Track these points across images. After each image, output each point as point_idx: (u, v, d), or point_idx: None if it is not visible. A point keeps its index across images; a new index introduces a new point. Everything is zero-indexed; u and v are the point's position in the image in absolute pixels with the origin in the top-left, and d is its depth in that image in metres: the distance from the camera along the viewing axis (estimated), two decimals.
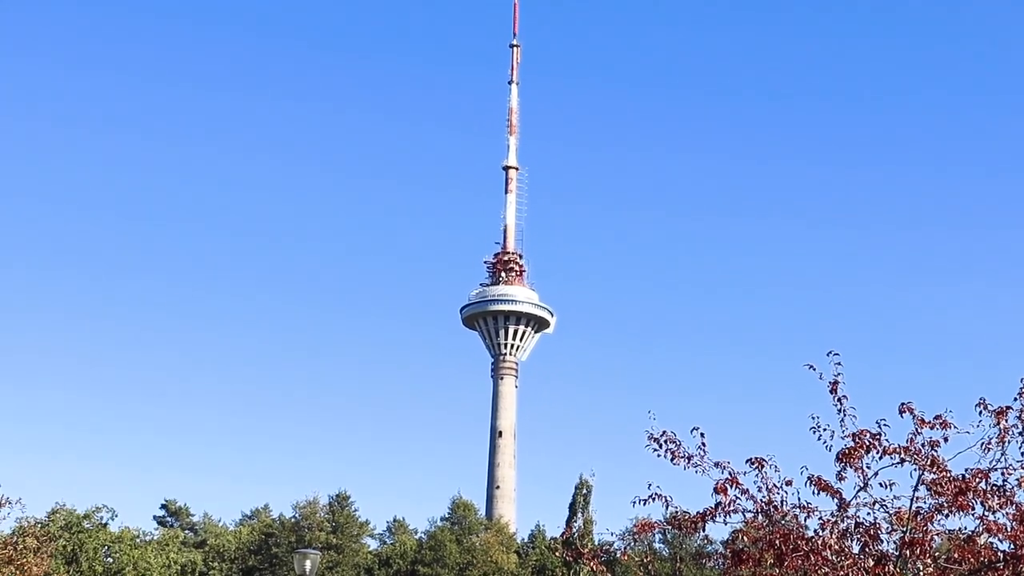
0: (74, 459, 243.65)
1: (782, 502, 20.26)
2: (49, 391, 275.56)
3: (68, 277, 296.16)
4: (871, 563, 19.10)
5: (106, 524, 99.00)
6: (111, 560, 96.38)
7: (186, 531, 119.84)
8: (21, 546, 43.11)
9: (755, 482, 20.33)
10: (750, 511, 20.35)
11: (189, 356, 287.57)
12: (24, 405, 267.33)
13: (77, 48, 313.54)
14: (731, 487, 20.11)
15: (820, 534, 19.63)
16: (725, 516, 20.27)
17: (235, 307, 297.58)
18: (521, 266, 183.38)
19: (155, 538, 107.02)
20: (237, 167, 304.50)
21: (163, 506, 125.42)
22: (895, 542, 19.73)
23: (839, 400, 20.04)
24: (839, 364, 20.24)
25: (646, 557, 26.72)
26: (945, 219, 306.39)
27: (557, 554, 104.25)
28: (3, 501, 44.69)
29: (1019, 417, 19.50)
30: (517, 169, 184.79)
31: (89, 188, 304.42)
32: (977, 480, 19.30)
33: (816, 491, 19.90)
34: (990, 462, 19.57)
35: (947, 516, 19.71)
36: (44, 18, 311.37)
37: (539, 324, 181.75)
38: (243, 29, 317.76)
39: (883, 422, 19.56)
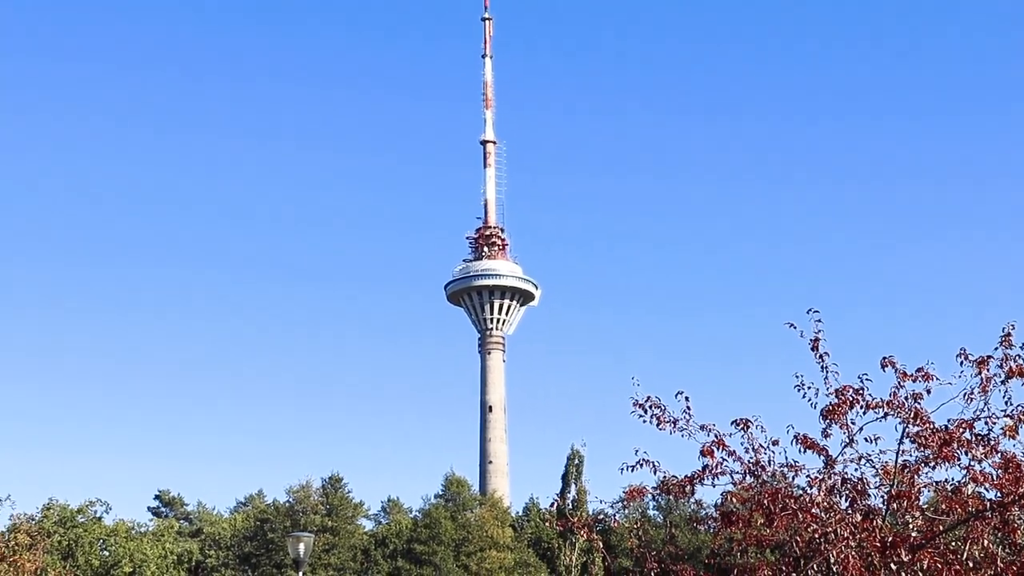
0: (65, 454, 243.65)
1: (769, 462, 20.28)
2: (36, 386, 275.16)
3: (54, 269, 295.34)
4: (859, 518, 19.17)
5: (100, 518, 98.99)
6: (107, 553, 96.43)
7: (181, 521, 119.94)
8: (14, 543, 43.03)
9: (742, 443, 20.34)
10: (738, 472, 20.36)
11: (175, 344, 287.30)
12: (12, 401, 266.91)
13: (76, 40, 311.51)
14: (717, 449, 20.12)
15: (808, 492, 19.68)
16: (713, 479, 20.28)
17: (219, 292, 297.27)
18: (503, 240, 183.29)
19: (150, 529, 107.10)
20: (217, 147, 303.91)
21: (157, 497, 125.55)
22: (883, 496, 19.78)
23: (821, 357, 20.04)
24: (819, 322, 20.25)
25: (637, 524, 26.80)
26: (924, 172, 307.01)
27: (551, 525, 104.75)
28: None
29: (1000, 366, 19.52)
30: (495, 143, 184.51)
31: (76, 179, 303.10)
32: (961, 431, 19.33)
33: (802, 449, 19.91)
34: (973, 412, 19.59)
35: (933, 468, 19.74)
36: (41, 11, 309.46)
37: (524, 297, 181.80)
38: (224, 5, 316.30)
39: (865, 377, 19.59)
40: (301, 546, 41.34)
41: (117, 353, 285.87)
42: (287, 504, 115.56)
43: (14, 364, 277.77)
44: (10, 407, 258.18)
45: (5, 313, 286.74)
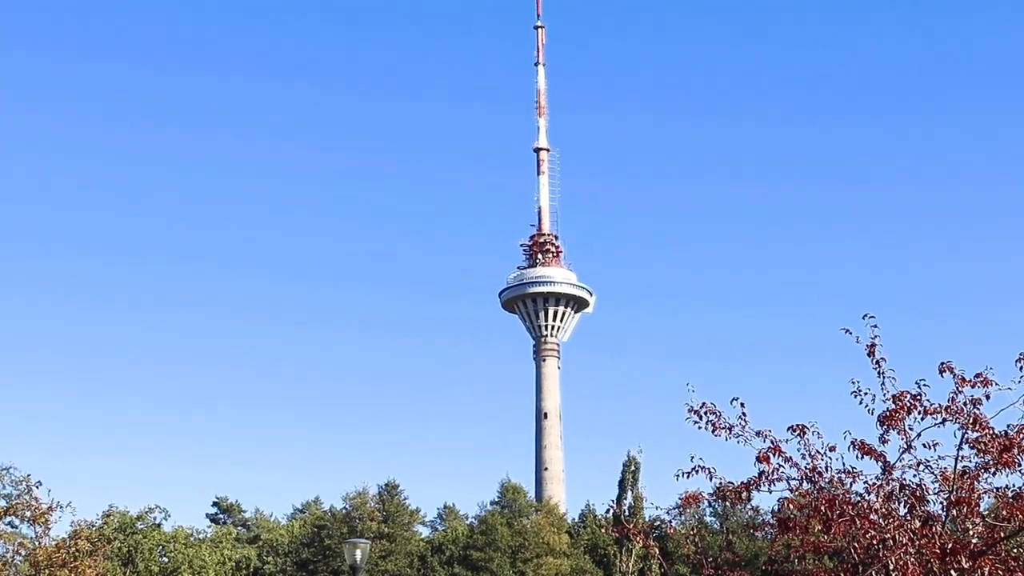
0: (125, 460, 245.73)
1: (826, 468, 20.15)
2: (97, 393, 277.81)
3: (111, 276, 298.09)
4: (918, 524, 19.00)
5: (159, 524, 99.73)
6: (166, 560, 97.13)
7: (239, 527, 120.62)
8: (75, 549, 43.44)
9: (798, 449, 20.25)
10: (795, 478, 20.27)
11: (235, 352, 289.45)
12: (73, 408, 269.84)
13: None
14: (774, 455, 20.03)
15: (866, 498, 19.54)
16: (769, 485, 20.20)
17: (279, 299, 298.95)
18: (557, 247, 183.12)
19: (209, 536, 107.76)
20: (271, 153, 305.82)
21: (215, 503, 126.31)
22: (942, 502, 19.61)
23: (878, 363, 19.92)
24: (876, 327, 20.13)
25: (694, 530, 26.71)
26: (984, 174, 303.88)
27: (607, 532, 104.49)
28: (54, 505, 45.12)
29: None
30: (548, 150, 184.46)
31: (129, 179, 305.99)
32: (1021, 436, 19.14)
33: (860, 455, 19.79)
34: None
35: (994, 474, 19.58)
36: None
37: (578, 304, 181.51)
38: (272, 11, 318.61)
39: (923, 382, 19.44)
40: (358, 552, 41.46)
41: (178, 360, 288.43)
42: (344, 511, 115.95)
43: (76, 371, 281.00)
44: (71, 414, 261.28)
45: (67, 321, 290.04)
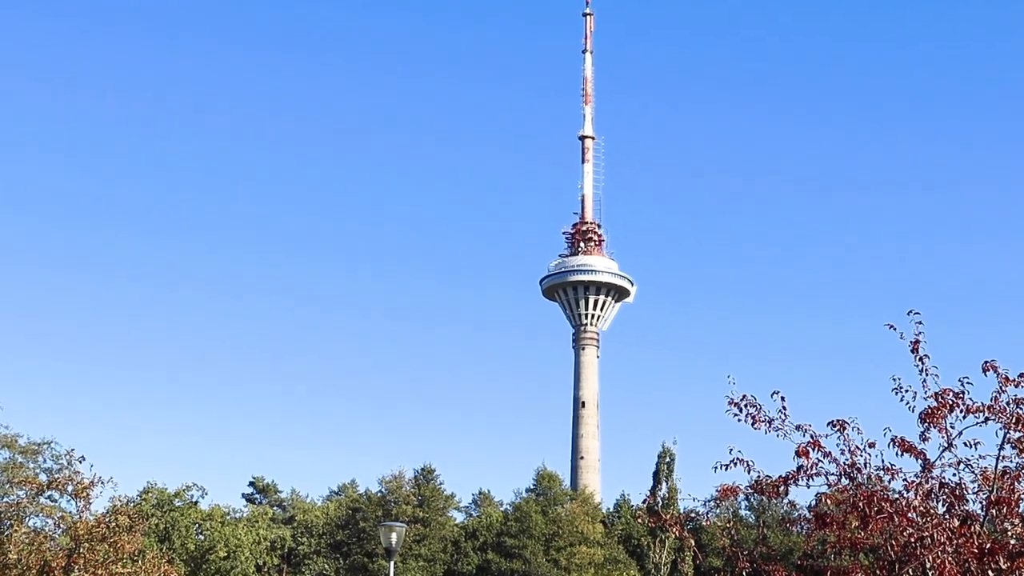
0: (165, 438, 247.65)
1: (865, 464, 20.05)
2: (140, 372, 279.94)
3: (158, 258, 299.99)
4: (957, 523, 18.90)
5: (196, 502, 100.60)
6: (203, 537, 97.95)
7: (274, 508, 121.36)
8: (114, 524, 43.84)
9: (837, 445, 20.15)
10: (833, 474, 20.17)
11: (276, 335, 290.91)
12: (115, 385, 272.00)
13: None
14: (813, 450, 19.95)
15: (905, 496, 19.44)
16: (808, 479, 20.11)
17: (318, 283, 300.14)
18: (600, 236, 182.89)
19: (245, 515, 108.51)
20: (315, 138, 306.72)
21: (251, 483, 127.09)
22: (981, 502, 19.49)
23: (921, 360, 19.79)
24: (920, 323, 20.00)
25: (729, 523, 26.64)
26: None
27: (641, 522, 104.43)
28: (96, 480, 45.56)
29: None
30: (593, 138, 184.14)
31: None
32: None
33: (900, 452, 19.68)
34: None
35: None
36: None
37: (619, 293, 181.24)
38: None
39: (966, 380, 19.31)
40: (393, 536, 41.66)
41: (218, 341, 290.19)
42: (379, 494, 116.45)
43: (118, 350, 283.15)
44: (113, 391, 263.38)
45: (112, 301, 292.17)
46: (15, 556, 42.92)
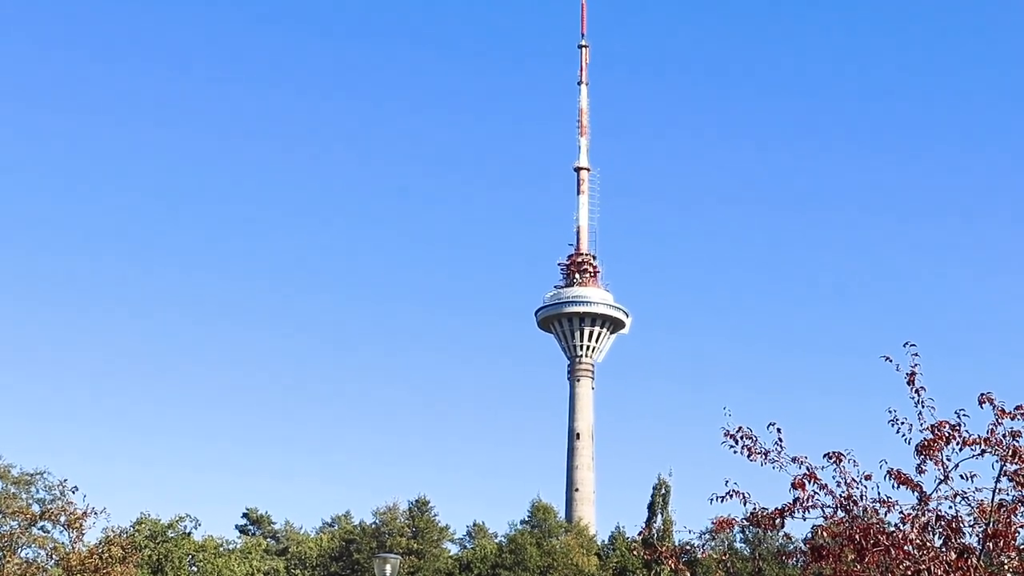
0: (158, 469, 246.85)
1: (861, 496, 20.03)
2: (133, 402, 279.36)
3: (149, 286, 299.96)
4: (953, 556, 18.86)
5: (190, 533, 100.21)
6: (195, 569, 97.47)
7: (268, 539, 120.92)
8: (107, 555, 43.69)
9: (834, 477, 20.13)
10: (829, 506, 20.15)
11: (266, 364, 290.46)
12: (108, 415, 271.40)
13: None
14: (809, 482, 19.93)
15: (901, 528, 19.41)
16: (804, 512, 20.09)
17: (313, 315, 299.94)
18: (595, 267, 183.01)
19: (238, 546, 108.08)
20: (309, 166, 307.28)
21: (245, 515, 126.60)
22: (978, 535, 19.46)
23: (917, 392, 19.79)
24: (916, 355, 20.02)
25: (725, 555, 26.59)
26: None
27: (636, 554, 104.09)
28: (89, 511, 45.42)
29: None
30: (589, 170, 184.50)
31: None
32: None
33: (896, 485, 19.66)
34: None
35: None
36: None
37: (614, 325, 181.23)
38: (319, 27, 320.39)
39: (962, 413, 19.31)
40: (388, 568, 41.50)
41: (212, 371, 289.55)
42: (373, 526, 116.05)
43: (110, 379, 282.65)
44: (105, 421, 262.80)
45: (103, 329, 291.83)
46: None
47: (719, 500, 20.46)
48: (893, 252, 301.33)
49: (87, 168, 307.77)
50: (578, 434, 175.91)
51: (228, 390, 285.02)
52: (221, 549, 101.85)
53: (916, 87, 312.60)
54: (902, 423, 19.82)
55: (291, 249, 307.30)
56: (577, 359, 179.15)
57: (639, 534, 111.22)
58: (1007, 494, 19.38)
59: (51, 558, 51.09)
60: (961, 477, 19.48)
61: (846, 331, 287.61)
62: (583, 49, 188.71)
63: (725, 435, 20.64)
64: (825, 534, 20.30)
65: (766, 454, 20.39)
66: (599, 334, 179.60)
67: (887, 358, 20.08)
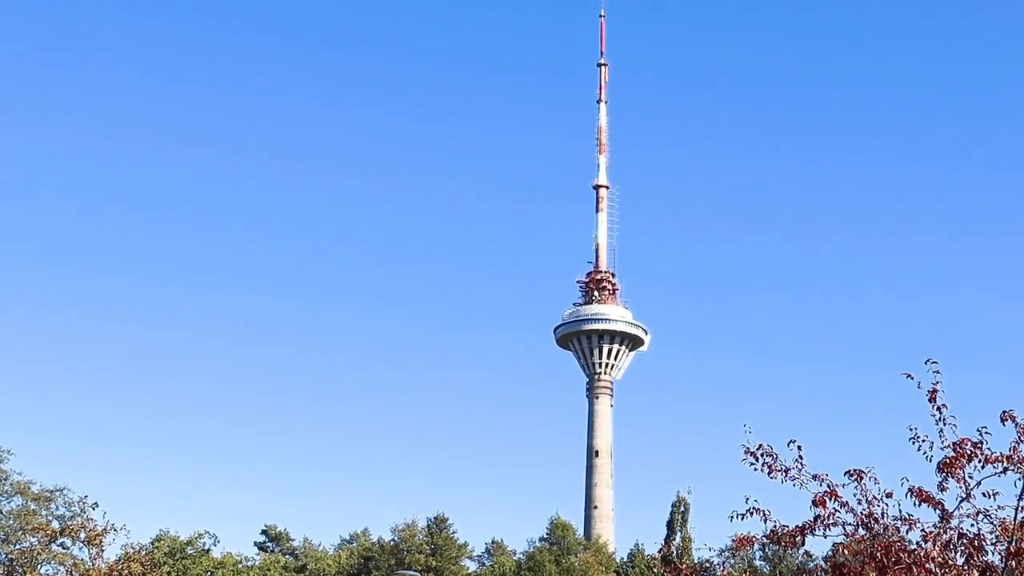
0: (177, 486, 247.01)
1: (883, 514, 19.94)
2: (151, 419, 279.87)
3: (167, 304, 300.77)
4: (976, 575, 18.75)
5: (208, 550, 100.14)
6: None
7: (287, 556, 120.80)
8: (126, 572, 43.75)
9: (855, 494, 20.06)
10: (850, 524, 20.07)
11: (286, 382, 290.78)
12: (127, 432, 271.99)
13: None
14: (830, 500, 19.87)
15: (923, 546, 19.32)
16: (824, 530, 20.02)
17: (332, 332, 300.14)
18: (614, 284, 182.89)
19: (257, 563, 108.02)
20: (327, 183, 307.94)
21: (263, 531, 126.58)
22: (1000, 553, 19.35)
23: (938, 409, 19.71)
24: (938, 372, 19.93)
25: (745, 573, 26.46)
26: None
27: (655, 572, 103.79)
28: (109, 528, 45.48)
29: None
30: (608, 188, 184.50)
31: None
32: None
33: (917, 502, 19.58)
34: None
35: None
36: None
37: (633, 342, 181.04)
38: (333, 42, 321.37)
39: (984, 430, 19.22)
40: None
41: (230, 389, 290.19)
42: (392, 542, 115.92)
43: (130, 396, 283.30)
44: (126, 438, 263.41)
45: (122, 346, 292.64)
46: None
47: (739, 517, 20.41)
48: (915, 268, 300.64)
49: (110, 180, 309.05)
50: (597, 451, 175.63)
51: (248, 407, 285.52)
52: (240, 566, 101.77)
53: (945, 104, 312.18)
54: (924, 440, 19.74)
55: (309, 266, 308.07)
56: (596, 376, 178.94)
57: (658, 552, 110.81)
58: None
59: (71, 575, 51.13)
60: (983, 495, 19.42)
61: (867, 348, 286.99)
62: (602, 67, 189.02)
63: (745, 452, 20.59)
64: (846, 552, 20.21)
65: (786, 471, 20.33)
66: (618, 351, 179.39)
67: (909, 375, 20.02)
